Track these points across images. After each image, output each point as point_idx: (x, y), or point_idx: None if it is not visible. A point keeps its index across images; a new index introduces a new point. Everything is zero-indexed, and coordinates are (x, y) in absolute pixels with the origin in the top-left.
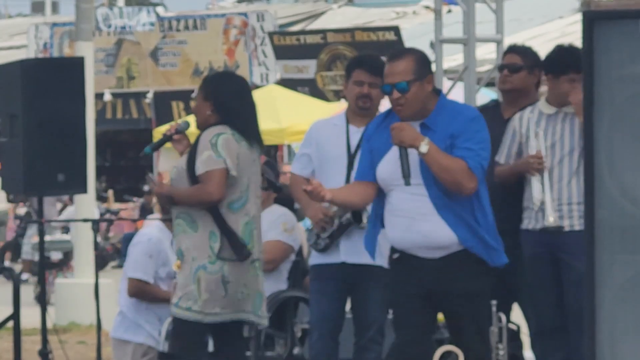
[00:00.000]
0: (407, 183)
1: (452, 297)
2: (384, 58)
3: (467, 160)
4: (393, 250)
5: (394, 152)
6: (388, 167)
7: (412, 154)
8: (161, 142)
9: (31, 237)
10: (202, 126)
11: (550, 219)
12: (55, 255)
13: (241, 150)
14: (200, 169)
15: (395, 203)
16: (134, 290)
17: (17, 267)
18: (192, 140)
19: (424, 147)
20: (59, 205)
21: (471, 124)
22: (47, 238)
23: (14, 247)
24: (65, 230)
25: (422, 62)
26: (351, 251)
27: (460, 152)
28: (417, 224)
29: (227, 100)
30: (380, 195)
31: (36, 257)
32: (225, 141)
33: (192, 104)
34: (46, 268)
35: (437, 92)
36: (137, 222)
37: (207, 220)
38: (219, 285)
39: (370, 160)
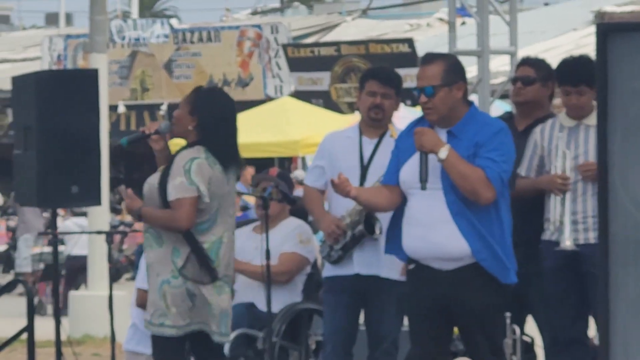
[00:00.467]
0: (424, 187)
1: (465, 310)
2: (398, 70)
3: (486, 170)
4: (409, 260)
5: (417, 157)
6: (409, 170)
7: (434, 160)
8: (138, 138)
9: (22, 249)
10: (179, 136)
11: (567, 243)
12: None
13: (214, 174)
14: (172, 194)
15: (412, 211)
16: (141, 301)
17: (9, 279)
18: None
19: (443, 153)
20: (45, 216)
21: (497, 136)
22: (38, 250)
23: (6, 260)
24: (61, 241)
25: (453, 69)
26: (365, 263)
27: (480, 162)
28: (432, 233)
29: (212, 121)
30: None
31: (30, 269)
32: (199, 167)
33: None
34: (44, 279)
35: (469, 102)
36: None
37: (171, 236)
38: (184, 298)
39: (397, 164)
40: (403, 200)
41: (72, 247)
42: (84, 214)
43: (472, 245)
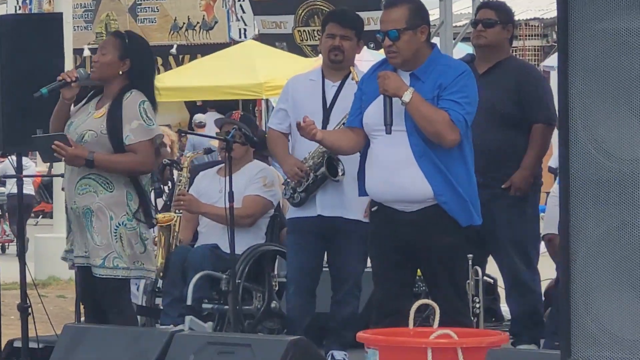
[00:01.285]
0: (389, 131)
1: (427, 251)
2: (361, 13)
3: (449, 112)
4: (373, 203)
5: (380, 100)
6: (373, 112)
7: (398, 103)
8: (59, 86)
9: None
10: (101, 81)
11: None
12: None
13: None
14: (131, 138)
15: (376, 153)
16: None
17: None
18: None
19: (407, 96)
20: None
21: (460, 78)
22: None
23: None
24: (2, 183)
25: (416, 12)
26: (327, 204)
27: (444, 104)
28: (395, 175)
29: (144, 66)
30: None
31: None
32: (150, 109)
33: (170, 59)
34: None
35: (432, 45)
36: None
37: (121, 180)
38: (138, 241)
39: (360, 107)
40: (367, 142)
41: (12, 186)
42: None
43: (435, 187)
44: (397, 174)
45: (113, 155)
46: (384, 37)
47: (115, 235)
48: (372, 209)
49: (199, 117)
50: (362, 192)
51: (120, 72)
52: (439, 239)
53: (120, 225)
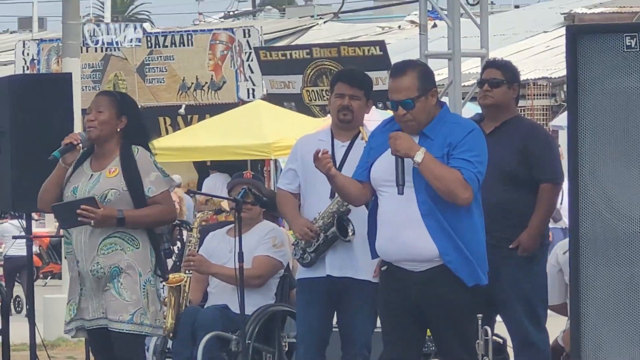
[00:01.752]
0: (401, 192)
1: (436, 311)
2: (370, 73)
3: (462, 170)
4: (383, 262)
5: (387, 155)
6: (380, 167)
7: (407, 160)
8: (68, 150)
9: None
10: (100, 141)
11: None
12: None
13: None
14: (153, 190)
15: (383, 210)
16: None
17: None
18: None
19: (419, 157)
20: None
21: (470, 137)
22: None
23: None
24: None
25: (425, 76)
26: (336, 265)
27: (456, 163)
28: (401, 233)
29: (139, 121)
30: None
31: None
32: (156, 162)
33: (178, 119)
34: None
35: (441, 104)
36: None
37: (144, 237)
38: (156, 298)
39: (367, 161)
40: (374, 197)
41: (8, 248)
42: (22, 216)
43: (440, 246)
44: (403, 232)
45: (139, 210)
46: (398, 107)
47: (143, 292)
48: (382, 268)
49: (176, 177)
50: (375, 254)
51: (118, 130)
52: (446, 299)
53: (147, 282)
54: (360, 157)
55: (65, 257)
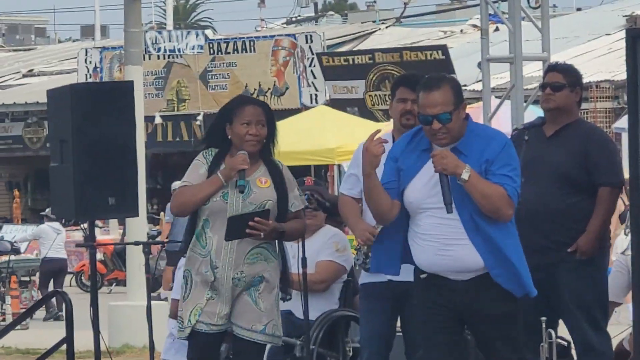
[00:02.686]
0: (449, 210)
1: (482, 319)
2: None
3: (506, 187)
4: (421, 270)
5: (424, 176)
6: (417, 190)
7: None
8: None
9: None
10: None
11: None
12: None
13: None
14: (296, 205)
15: (425, 227)
16: (175, 311)
17: None
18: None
19: (466, 175)
20: None
21: (505, 151)
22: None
23: None
24: (15, 251)
25: (458, 90)
26: None
27: (497, 179)
28: (447, 248)
29: (276, 134)
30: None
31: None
32: None
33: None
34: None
35: (466, 116)
36: None
37: (277, 250)
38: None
39: (397, 180)
40: (400, 216)
41: (48, 250)
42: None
43: (487, 261)
44: (450, 247)
45: (290, 223)
46: (432, 121)
47: (276, 303)
48: (421, 276)
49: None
50: (375, 268)
51: (264, 141)
52: (493, 306)
53: (278, 294)
54: (386, 167)
55: (173, 265)
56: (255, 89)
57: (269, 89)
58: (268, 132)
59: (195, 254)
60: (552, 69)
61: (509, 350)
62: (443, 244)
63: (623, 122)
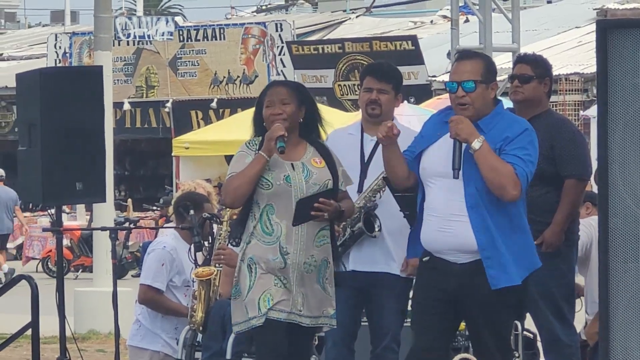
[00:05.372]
0: (456, 176)
1: (472, 303)
2: (402, 68)
3: (515, 167)
4: (425, 253)
5: (440, 146)
6: (431, 157)
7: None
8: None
9: None
10: (290, 131)
11: None
12: None
13: None
14: (345, 184)
15: (431, 201)
16: (143, 296)
17: None
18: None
19: (477, 144)
20: None
21: (525, 135)
22: None
23: None
24: None
25: (490, 67)
26: (360, 260)
27: (509, 159)
28: (446, 224)
29: (318, 113)
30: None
31: None
32: None
33: (210, 113)
34: None
35: (497, 101)
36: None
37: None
38: None
39: (415, 148)
40: (417, 189)
41: None
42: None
43: (479, 240)
44: (449, 223)
45: (344, 203)
46: (457, 88)
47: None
48: (424, 259)
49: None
50: (411, 253)
51: (300, 120)
52: (487, 293)
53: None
54: (410, 142)
55: (241, 251)
56: (224, 77)
57: (238, 76)
58: (306, 112)
59: (259, 242)
60: (521, 60)
61: (492, 342)
62: (445, 220)
63: (593, 110)
